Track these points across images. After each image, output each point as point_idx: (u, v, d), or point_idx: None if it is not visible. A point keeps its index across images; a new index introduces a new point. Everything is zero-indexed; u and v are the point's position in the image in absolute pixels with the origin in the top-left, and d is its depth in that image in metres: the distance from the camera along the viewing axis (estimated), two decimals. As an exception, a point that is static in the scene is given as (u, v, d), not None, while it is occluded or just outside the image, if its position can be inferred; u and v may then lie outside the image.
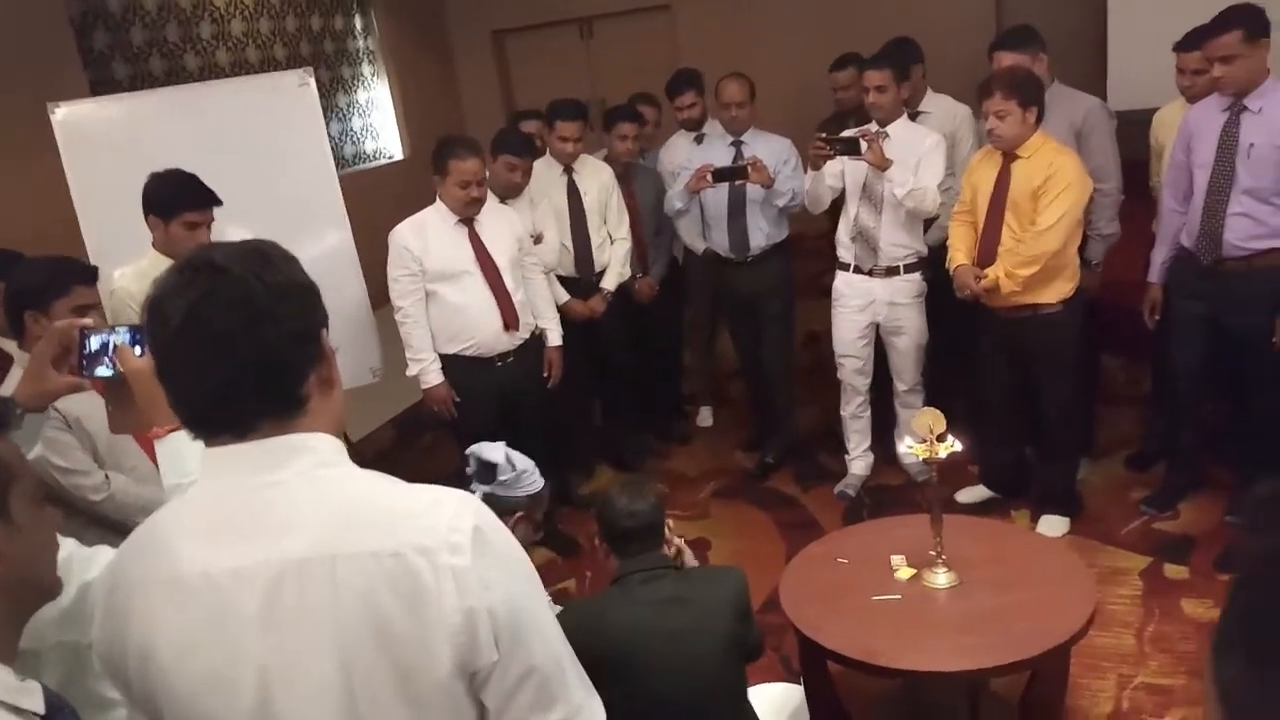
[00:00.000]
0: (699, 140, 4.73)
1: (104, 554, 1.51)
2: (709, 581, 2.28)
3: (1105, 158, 3.76)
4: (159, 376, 1.14)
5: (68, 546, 1.45)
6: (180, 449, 1.22)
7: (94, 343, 1.51)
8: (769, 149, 4.26)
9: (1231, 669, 0.55)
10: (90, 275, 2.55)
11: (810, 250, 5.48)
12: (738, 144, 4.30)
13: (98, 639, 1.20)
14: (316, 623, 1.09)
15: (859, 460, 4.33)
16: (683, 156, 4.55)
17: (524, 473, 2.40)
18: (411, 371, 3.74)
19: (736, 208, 4.30)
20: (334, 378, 1.18)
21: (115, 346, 1.49)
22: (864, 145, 3.75)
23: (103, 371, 1.50)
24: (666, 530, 2.34)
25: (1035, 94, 3.45)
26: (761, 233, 4.31)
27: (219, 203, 2.97)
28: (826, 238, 4.72)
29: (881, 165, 3.76)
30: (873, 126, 3.93)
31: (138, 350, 1.47)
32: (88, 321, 1.58)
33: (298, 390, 1.13)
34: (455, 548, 1.09)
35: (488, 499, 2.36)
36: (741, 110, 4.26)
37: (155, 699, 1.16)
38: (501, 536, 1.16)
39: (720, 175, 4.13)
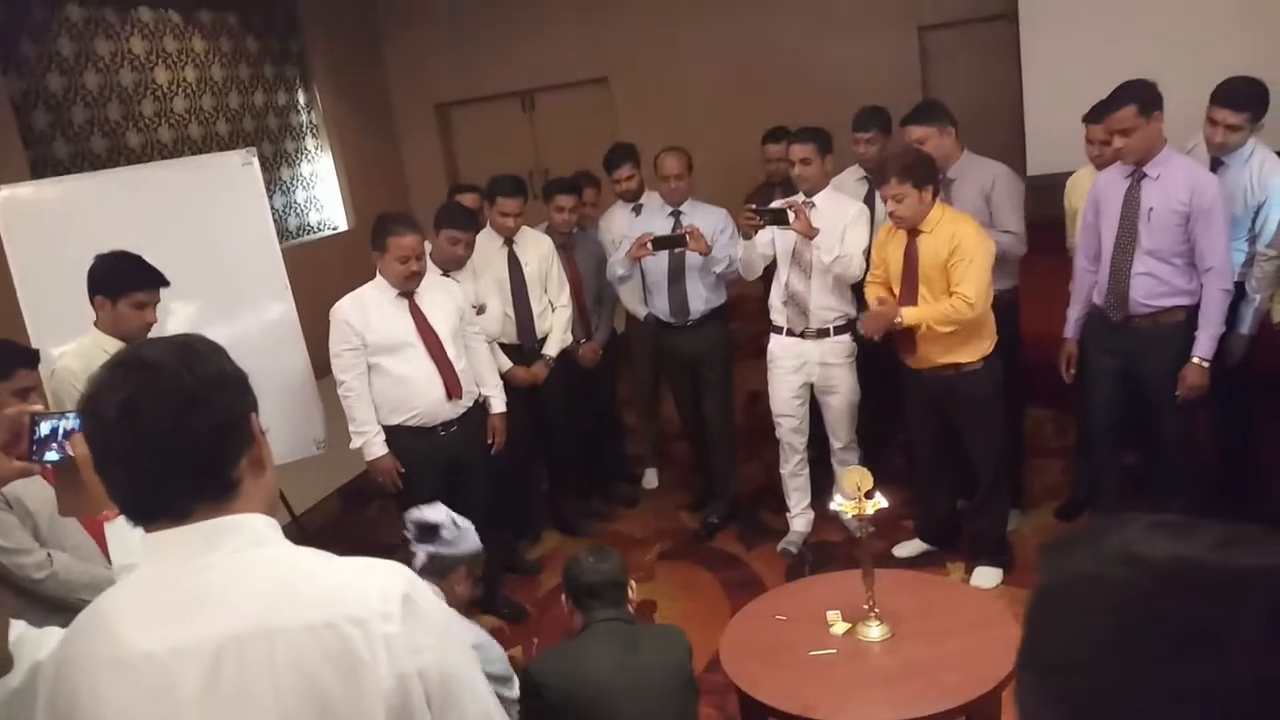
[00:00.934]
0: (637, 211, 4.86)
1: (54, 635, 1.53)
2: (660, 637, 2.52)
3: (1010, 216, 3.98)
4: (96, 469, 1.20)
5: (18, 628, 1.48)
6: (130, 530, 1.28)
7: (44, 428, 1.54)
8: (706, 219, 4.42)
9: (1023, 685, 0.64)
10: (32, 359, 2.59)
11: (751, 312, 5.62)
12: (676, 214, 4.44)
13: (44, 718, 1.24)
14: (255, 698, 1.13)
15: (800, 518, 4.42)
16: (623, 226, 4.73)
17: (465, 530, 2.51)
18: (355, 444, 3.77)
19: (676, 274, 4.44)
20: (264, 458, 1.25)
21: (66, 431, 1.53)
22: (791, 215, 3.91)
23: (52, 456, 1.52)
24: (630, 590, 2.53)
25: (929, 174, 3.63)
26: (700, 298, 4.46)
27: (166, 283, 3.02)
28: (765, 301, 4.89)
29: (808, 234, 3.92)
30: (800, 197, 4.09)
31: None
32: (38, 407, 1.61)
33: (230, 474, 1.19)
34: (387, 615, 1.15)
35: (433, 559, 2.45)
36: (680, 182, 4.41)
37: None
38: (430, 602, 1.22)
39: (660, 243, 4.27)
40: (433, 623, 1.21)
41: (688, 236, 4.24)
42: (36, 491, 2.37)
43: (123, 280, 2.95)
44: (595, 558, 2.53)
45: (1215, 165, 3.62)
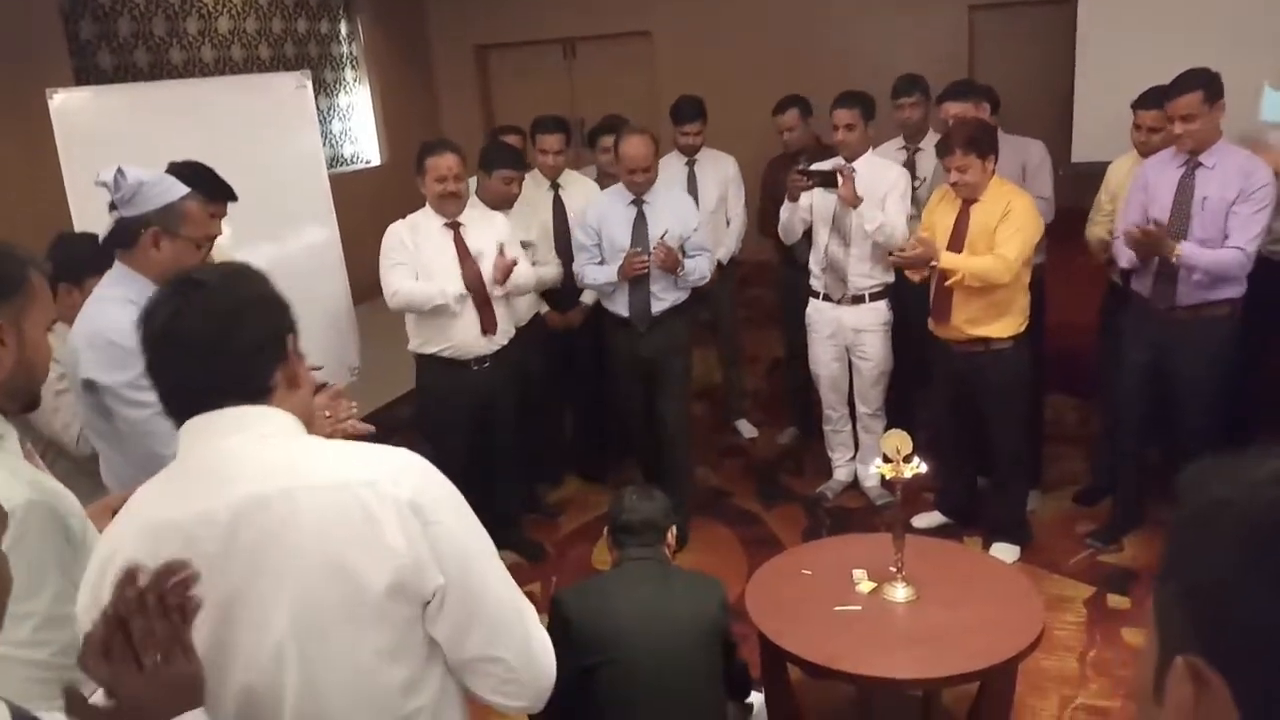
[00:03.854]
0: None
1: None
2: (694, 586, 2.50)
3: (1046, 183, 4.17)
4: (148, 372, 1.30)
5: None
6: None
7: None
8: (674, 212, 4.04)
9: (1162, 596, 0.69)
10: (102, 265, 2.62)
11: (771, 280, 5.61)
12: (639, 203, 4.03)
13: (82, 604, 1.29)
14: (270, 555, 1.22)
15: (842, 469, 4.53)
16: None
17: (147, 183, 2.28)
18: (437, 301, 3.68)
19: (639, 277, 4.00)
20: (299, 376, 1.35)
21: None
22: (839, 180, 3.91)
23: None
24: (669, 534, 2.55)
25: (992, 144, 3.67)
26: (662, 301, 4.05)
27: (234, 198, 3.04)
28: (782, 268, 4.91)
29: (853, 202, 3.93)
30: (840, 161, 4.09)
31: None
32: None
33: (264, 383, 1.30)
34: (397, 482, 1.25)
35: (118, 224, 2.23)
36: (646, 175, 3.96)
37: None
38: (445, 483, 1.32)
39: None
40: (448, 498, 1.30)
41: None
42: None
43: (197, 190, 2.95)
44: (638, 496, 2.56)
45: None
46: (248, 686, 1.24)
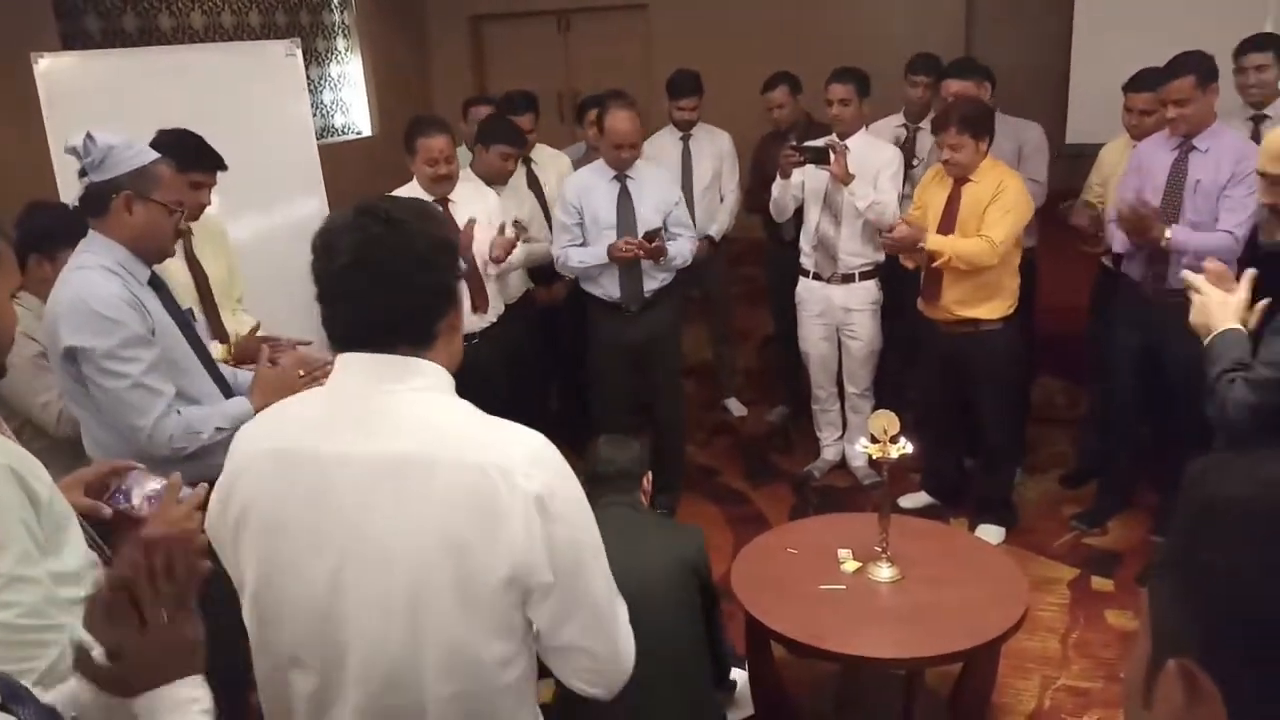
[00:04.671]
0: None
1: None
2: (671, 532, 2.55)
3: (1040, 166, 4.19)
4: (320, 299, 1.30)
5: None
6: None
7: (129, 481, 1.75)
8: (657, 190, 3.96)
9: (1160, 588, 0.68)
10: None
11: (760, 258, 5.58)
12: (622, 179, 3.95)
13: (210, 515, 1.38)
14: (401, 518, 1.24)
15: (830, 448, 4.53)
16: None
17: (117, 147, 2.25)
18: None
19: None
20: (459, 324, 1.38)
21: (149, 494, 1.72)
22: (831, 156, 3.89)
23: (117, 503, 1.73)
24: (644, 480, 2.54)
25: (988, 125, 3.66)
26: (655, 278, 4.01)
27: (224, 167, 3.01)
28: (771, 246, 4.88)
29: (844, 179, 3.90)
30: (834, 138, 4.06)
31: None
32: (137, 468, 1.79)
33: (433, 328, 1.32)
34: (529, 475, 1.25)
35: (88, 190, 2.20)
36: (633, 151, 3.87)
37: (243, 570, 1.32)
38: (570, 477, 1.33)
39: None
40: (572, 498, 1.31)
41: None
42: None
43: (186, 159, 2.90)
44: (611, 449, 2.56)
45: (1257, 130, 3.60)
46: (340, 642, 1.28)
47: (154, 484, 1.73)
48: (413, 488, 1.25)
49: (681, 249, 3.99)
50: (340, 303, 1.30)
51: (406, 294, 1.29)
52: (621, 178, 3.94)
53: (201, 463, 2.13)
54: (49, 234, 2.61)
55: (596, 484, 2.49)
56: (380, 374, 1.31)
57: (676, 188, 4.15)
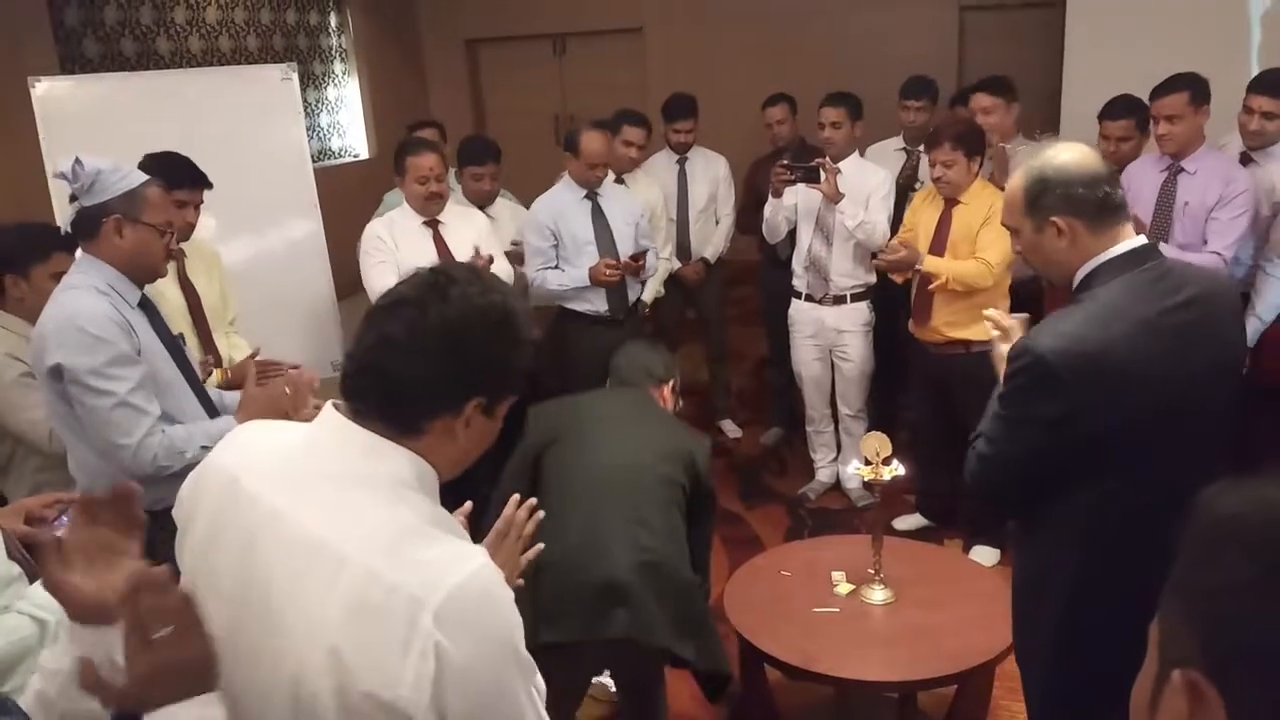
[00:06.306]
0: (682, 164, 4.85)
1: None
2: (673, 423, 2.55)
3: None
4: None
5: None
6: None
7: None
8: (626, 205, 4.13)
9: (1169, 610, 0.70)
10: (70, 244, 2.60)
11: (757, 279, 5.60)
12: (593, 196, 4.04)
13: (181, 493, 1.31)
14: (296, 605, 1.13)
15: (825, 470, 4.53)
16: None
17: (106, 171, 2.28)
18: None
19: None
20: (458, 433, 1.22)
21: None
22: (821, 175, 3.92)
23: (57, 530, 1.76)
24: (666, 385, 2.58)
25: (980, 145, 3.68)
26: (637, 287, 4.22)
27: (210, 186, 3.03)
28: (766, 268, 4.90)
29: (834, 198, 3.93)
30: (827, 160, 4.09)
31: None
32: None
33: (419, 422, 1.20)
34: (442, 619, 1.08)
35: (79, 214, 2.25)
36: (606, 169, 4.06)
37: (181, 564, 1.26)
38: (492, 645, 1.13)
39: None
40: (481, 663, 1.11)
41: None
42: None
43: (170, 177, 2.94)
44: (638, 346, 2.65)
45: (1245, 160, 3.62)
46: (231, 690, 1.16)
47: None
48: (314, 579, 1.12)
49: (650, 260, 4.19)
50: (355, 345, 1.23)
51: (406, 364, 1.18)
52: (593, 195, 4.05)
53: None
54: (20, 253, 2.65)
55: (612, 373, 2.57)
56: (346, 442, 1.20)
57: (639, 201, 4.29)
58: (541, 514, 1.59)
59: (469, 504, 1.59)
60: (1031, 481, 1.87)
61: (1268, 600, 0.62)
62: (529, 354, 1.26)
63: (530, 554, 1.58)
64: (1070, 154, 1.84)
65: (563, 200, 4.04)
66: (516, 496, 1.58)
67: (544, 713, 1.21)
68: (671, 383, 2.60)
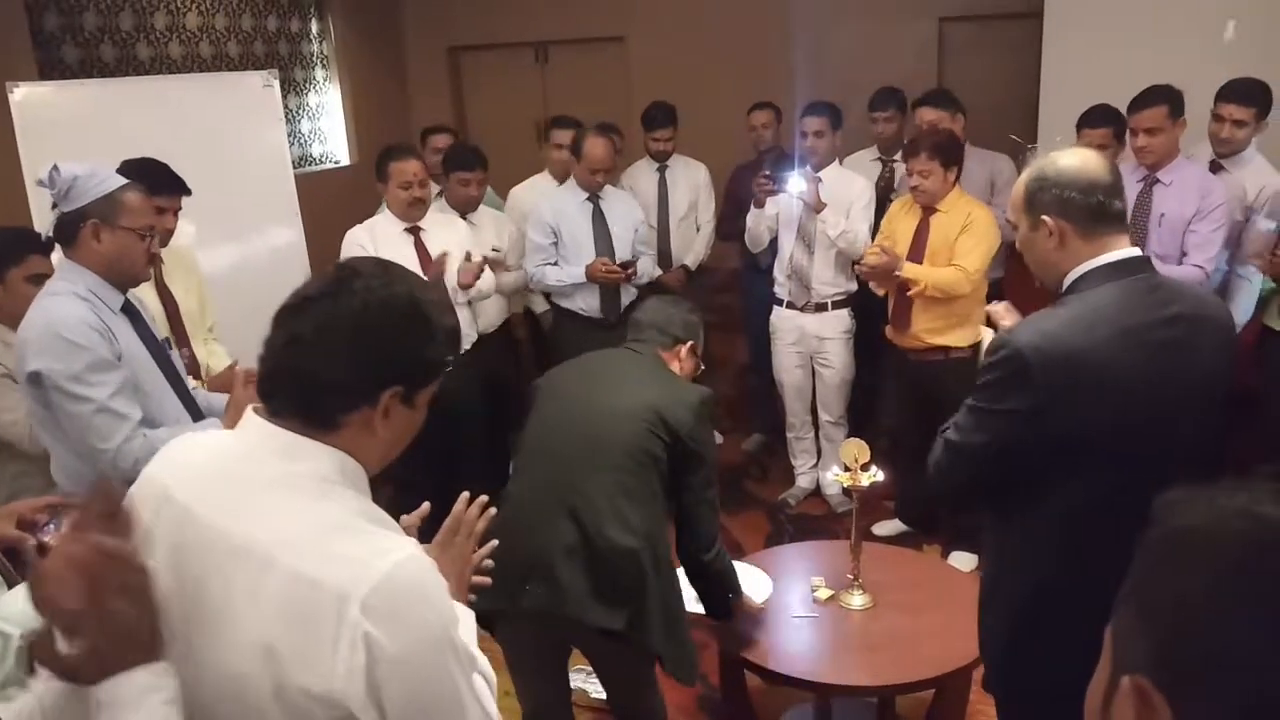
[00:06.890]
0: (663, 171, 4.90)
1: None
2: (677, 381, 2.56)
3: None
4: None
5: None
6: None
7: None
8: (626, 210, 4.26)
9: (1123, 617, 0.71)
10: (46, 247, 2.61)
11: (742, 286, 5.63)
12: (594, 199, 4.20)
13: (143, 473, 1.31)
14: (228, 609, 1.15)
15: (805, 476, 4.56)
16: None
17: (82, 176, 2.29)
18: None
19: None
20: (377, 428, 1.22)
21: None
22: (804, 184, 3.95)
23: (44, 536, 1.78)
24: (681, 348, 2.58)
25: (956, 155, 3.74)
26: (630, 291, 4.28)
27: (188, 192, 3.03)
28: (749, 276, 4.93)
29: (816, 207, 3.97)
30: (808, 170, 4.12)
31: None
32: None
33: (334, 417, 1.21)
34: (370, 610, 1.09)
35: (60, 218, 2.25)
36: (606, 175, 4.18)
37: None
38: (423, 631, 1.13)
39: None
40: (415, 647, 1.12)
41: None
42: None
43: (148, 183, 2.94)
44: (659, 304, 2.66)
45: (1215, 168, 3.67)
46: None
47: None
48: (243, 581, 1.13)
49: (646, 266, 4.30)
50: (266, 347, 1.22)
51: (315, 361, 1.19)
52: (594, 198, 4.19)
53: None
54: None
55: (631, 330, 2.60)
56: (266, 444, 1.20)
57: (638, 207, 4.38)
58: (493, 510, 1.57)
59: (426, 505, 1.59)
60: (992, 477, 1.87)
61: (1216, 611, 0.63)
62: (442, 342, 1.27)
63: (484, 551, 1.55)
64: (1075, 159, 1.86)
65: (565, 202, 4.20)
66: (466, 494, 1.57)
67: (490, 706, 1.23)
68: (691, 343, 2.58)
